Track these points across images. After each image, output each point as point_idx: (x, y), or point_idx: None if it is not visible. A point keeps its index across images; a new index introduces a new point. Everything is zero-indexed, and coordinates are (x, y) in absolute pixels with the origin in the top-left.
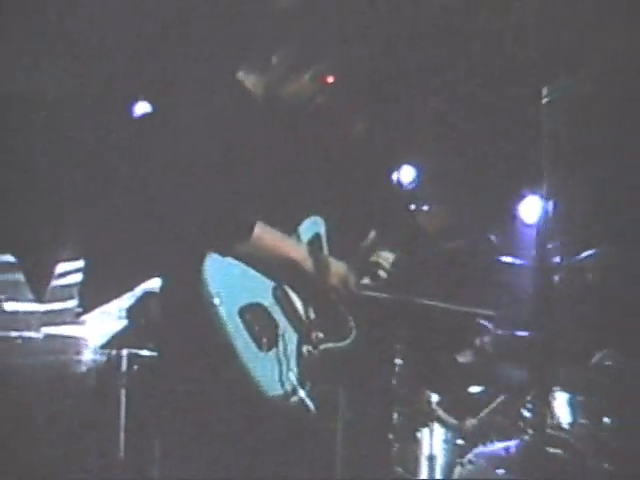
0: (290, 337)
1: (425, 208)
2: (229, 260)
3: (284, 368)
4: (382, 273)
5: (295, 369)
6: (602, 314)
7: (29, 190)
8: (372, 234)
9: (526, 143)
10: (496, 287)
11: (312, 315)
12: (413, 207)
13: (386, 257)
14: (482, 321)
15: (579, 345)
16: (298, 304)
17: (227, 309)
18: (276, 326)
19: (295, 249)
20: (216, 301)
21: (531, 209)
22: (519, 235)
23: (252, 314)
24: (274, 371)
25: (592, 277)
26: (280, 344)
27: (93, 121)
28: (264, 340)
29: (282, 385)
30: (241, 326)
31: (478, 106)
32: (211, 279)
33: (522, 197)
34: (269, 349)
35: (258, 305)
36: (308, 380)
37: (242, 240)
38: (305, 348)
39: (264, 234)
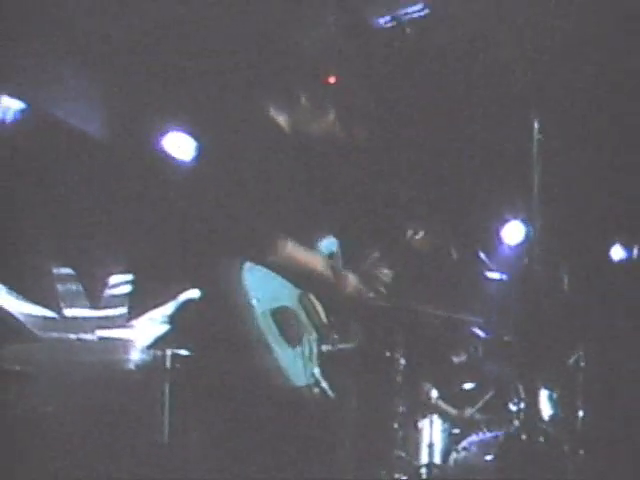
0: (312, 337)
1: (421, 233)
2: (263, 269)
3: (308, 363)
4: (382, 288)
5: (317, 364)
6: (576, 322)
7: (85, 213)
8: (375, 254)
9: (513, 174)
10: (485, 298)
11: (330, 319)
12: (410, 232)
13: (386, 274)
14: (473, 327)
15: (557, 349)
16: (319, 309)
17: (262, 310)
18: (301, 326)
19: (317, 263)
20: (254, 302)
21: (513, 232)
22: (503, 254)
23: (282, 315)
24: (300, 365)
25: (567, 290)
26: (305, 342)
27: (136, 150)
28: (292, 338)
29: (307, 377)
30: (273, 325)
31: (473, 142)
32: (248, 284)
33: (505, 221)
34: (295, 346)
35: (287, 308)
36: (327, 374)
37: (274, 253)
38: (324, 347)
39: (292, 249)
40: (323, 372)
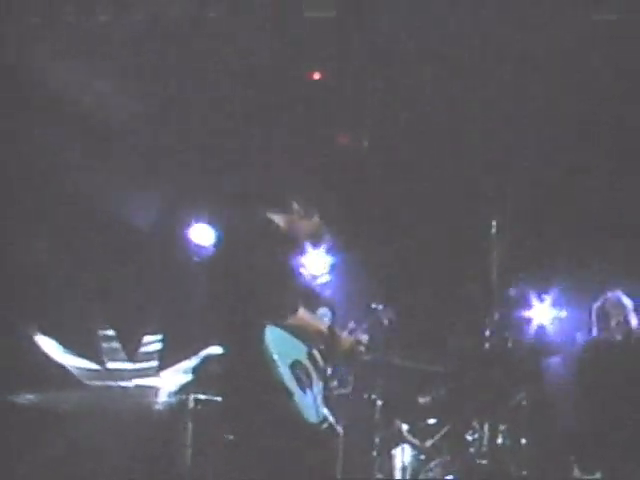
0: (318, 384)
1: (380, 307)
2: (280, 329)
3: (317, 404)
4: (362, 348)
5: (324, 405)
6: (518, 372)
7: (126, 286)
8: (351, 324)
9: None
10: (445, 353)
11: (330, 370)
12: (374, 306)
13: (364, 338)
14: (434, 374)
15: (503, 391)
16: (321, 363)
17: (282, 363)
18: (310, 377)
19: (321, 326)
20: (275, 357)
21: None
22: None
23: (297, 368)
24: (312, 407)
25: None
26: (314, 389)
27: (168, 237)
28: (304, 386)
29: (317, 415)
30: (291, 375)
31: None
32: (270, 342)
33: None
34: (306, 392)
35: (300, 362)
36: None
37: (290, 316)
38: (326, 392)
39: (304, 314)
40: (331, 412)
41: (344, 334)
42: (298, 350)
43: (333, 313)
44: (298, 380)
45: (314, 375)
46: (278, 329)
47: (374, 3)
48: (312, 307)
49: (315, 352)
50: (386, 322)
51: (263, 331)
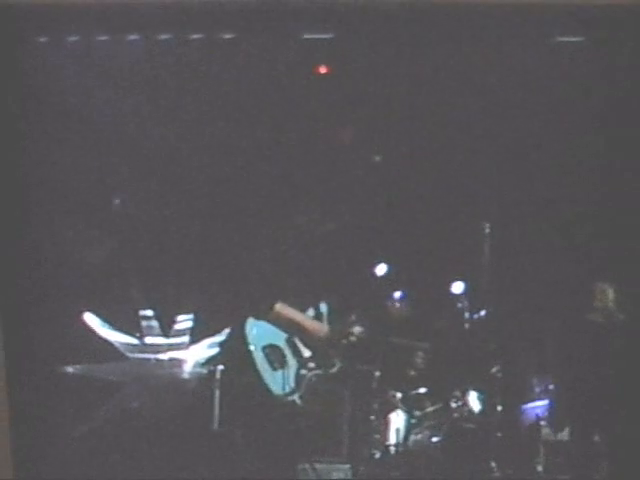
0: (292, 364)
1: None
2: (261, 322)
3: (285, 381)
4: (354, 339)
5: (292, 383)
6: (495, 344)
7: (162, 276)
8: (352, 316)
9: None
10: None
11: (307, 353)
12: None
13: (358, 330)
14: (421, 350)
15: (482, 363)
16: (300, 347)
17: (255, 347)
18: (284, 357)
19: (301, 318)
20: (251, 347)
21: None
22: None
23: (270, 350)
24: (279, 382)
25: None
26: (285, 368)
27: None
28: (275, 364)
29: (283, 389)
30: (262, 356)
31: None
32: (249, 332)
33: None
34: (277, 370)
35: (274, 346)
36: (302, 390)
37: (268, 310)
38: (301, 372)
39: (283, 308)
40: (297, 388)
41: (325, 327)
42: (275, 337)
43: (330, 307)
44: (269, 361)
45: (289, 357)
46: (258, 321)
47: None
48: (309, 302)
49: (295, 339)
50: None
51: (244, 324)
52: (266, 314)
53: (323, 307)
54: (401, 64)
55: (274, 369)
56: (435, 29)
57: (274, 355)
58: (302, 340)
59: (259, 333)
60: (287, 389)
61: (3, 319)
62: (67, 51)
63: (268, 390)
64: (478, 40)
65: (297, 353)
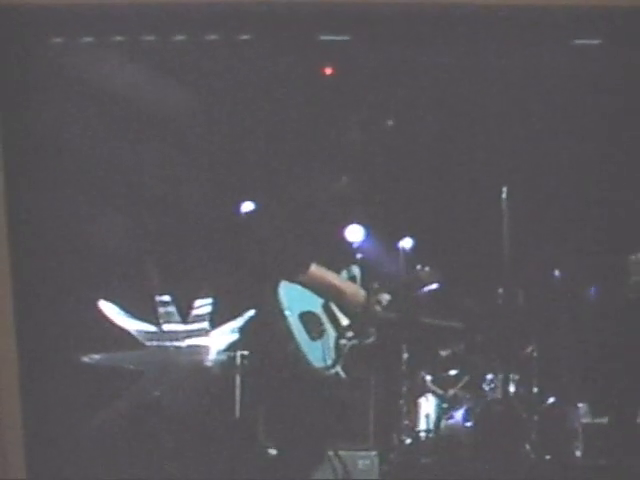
0: (330, 334)
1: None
2: (295, 285)
3: (326, 352)
4: (379, 307)
5: (333, 354)
6: (530, 325)
7: (179, 259)
8: (375, 284)
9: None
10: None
11: (345, 322)
12: (418, 267)
13: (385, 298)
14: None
15: (516, 345)
16: (338, 314)
17: (292, 315)
18: (322, 325)
19: (338, 281)
20: (287, 312)
21: None
22: None
23: (307, 318)
24: (319, 353)
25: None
26: (324, 337)
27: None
28: (314, 334)
29: (324, 362)
30: (300, 325)
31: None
32: (283, 297)
33: None
34: (316, 340)
35: (311, 312)
36: (343, 362)
37: (303, 272)
38: (340, 342)
39: (318, 270)
40: (338, 359)
41: (362, 291)
42: (312, 303)
43: (363, 271)
44: (307, 330)
45: (327, 325)
46: (292, 284)
47: None
48: (340, 265)
49: (332, 305)
50: (427, 284)
51: (277, 288)
52: (301, 276)
53: (355, 270)
54: (419, 67)
55: (312, 339)
56: (452, 32)
57: (311, 323)
58: (339, 306)
59: (294, 297)
60: (329, 361)
61: (16, 308)
62: (78, 53)
63: (308, 363)
64: (494, 43)
65: (335, 321)
